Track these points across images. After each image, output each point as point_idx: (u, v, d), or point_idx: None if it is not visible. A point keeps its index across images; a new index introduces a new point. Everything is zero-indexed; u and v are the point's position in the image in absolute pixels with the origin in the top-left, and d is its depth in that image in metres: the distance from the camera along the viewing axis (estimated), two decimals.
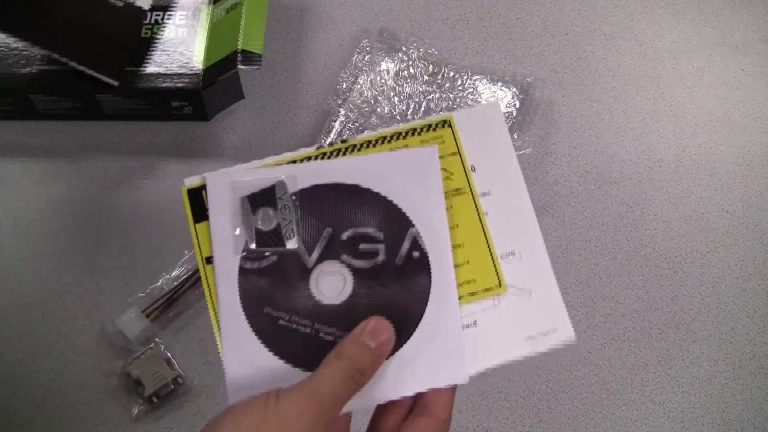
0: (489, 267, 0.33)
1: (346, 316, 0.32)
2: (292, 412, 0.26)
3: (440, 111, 0.60)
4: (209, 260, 0.33)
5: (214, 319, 0.32)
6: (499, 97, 0.61)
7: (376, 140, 0.35)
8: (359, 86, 0.62)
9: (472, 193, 0.34)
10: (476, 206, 0.34)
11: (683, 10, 0.72)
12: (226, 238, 0.32)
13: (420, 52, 0.63)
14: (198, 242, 0.33)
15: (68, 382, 0.53)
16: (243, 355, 0.31)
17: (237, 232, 0.32)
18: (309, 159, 0.34)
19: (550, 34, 0.70)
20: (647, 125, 0.65)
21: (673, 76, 0.68)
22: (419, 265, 0.32)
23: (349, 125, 0.60)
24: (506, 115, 0.60)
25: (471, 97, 0.61)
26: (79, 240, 0.58)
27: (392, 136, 0.35)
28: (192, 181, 0.34)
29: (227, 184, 0.33)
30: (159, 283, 0.55)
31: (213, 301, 0.32)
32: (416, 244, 0.33)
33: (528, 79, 0.63)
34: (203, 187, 0.33)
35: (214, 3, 0.62)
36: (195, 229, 0.33)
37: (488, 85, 0.62)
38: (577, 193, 0.62)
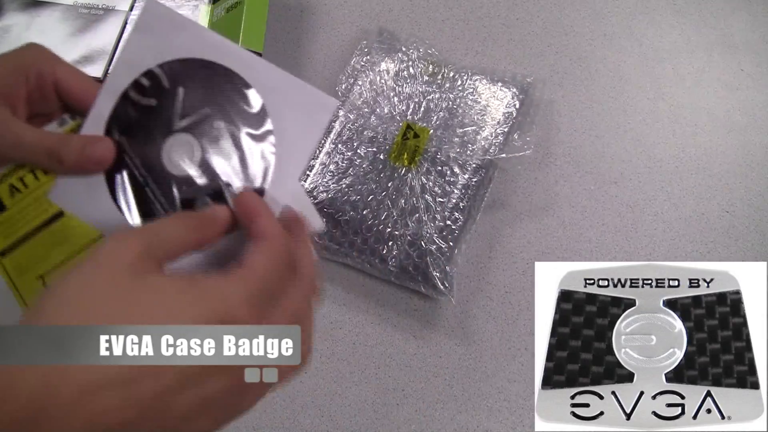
0: None
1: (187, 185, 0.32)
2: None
3: (440, 111, 0.60)
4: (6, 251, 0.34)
5: None
6: (499, 98, 0.61)
7: None
8: (359, 87, 0.62)
9: None
10: None
11: (683, 10, 0.72)
12: (135, 53, 0.32)
13: (420, 52, 0.63)
14: None
15: None
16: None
17: (147, 54, 0.32)
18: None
19: (550, 35, 0.70)
20: (647, 125, 0.65)
21: (673, 76, 0.68)
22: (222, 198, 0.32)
23: (349, 126, 0.60)
24: (506, 115, 0.60)
25: (471, 97, 0.61)
26: None
27: None
28: None
29: (165, 10, 0.32)
30: None
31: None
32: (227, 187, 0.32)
33: (528, 80, 0.62)
34: None
35: (214, 3, 0.62)
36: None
37: (488, 85, 0.62)
38: (578, 193, 0.62)
